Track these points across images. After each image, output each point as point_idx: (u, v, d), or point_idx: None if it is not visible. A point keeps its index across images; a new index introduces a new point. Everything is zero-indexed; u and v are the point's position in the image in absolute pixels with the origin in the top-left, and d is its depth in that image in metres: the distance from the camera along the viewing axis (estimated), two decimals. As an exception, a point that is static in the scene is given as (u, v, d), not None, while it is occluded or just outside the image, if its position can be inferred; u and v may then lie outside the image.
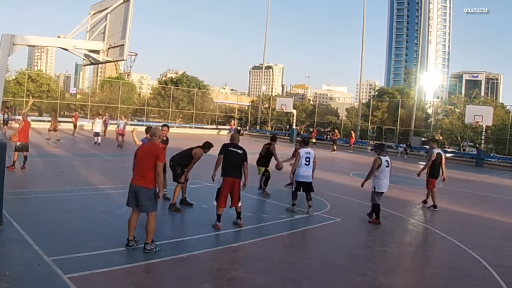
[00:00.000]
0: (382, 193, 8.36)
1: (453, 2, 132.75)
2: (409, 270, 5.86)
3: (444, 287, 5.32)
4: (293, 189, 8.75)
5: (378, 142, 31.61)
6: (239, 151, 7.08)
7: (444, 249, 6.99)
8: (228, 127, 40.98)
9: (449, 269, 5.93)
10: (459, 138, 37.10)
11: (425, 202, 10.86)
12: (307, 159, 8.61)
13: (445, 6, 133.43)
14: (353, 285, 5.05)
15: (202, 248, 5.88)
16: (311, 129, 38.37)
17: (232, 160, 7.01)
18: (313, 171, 8.72)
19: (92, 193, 8.90)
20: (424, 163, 11.00)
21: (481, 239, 7.77)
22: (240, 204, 7.12)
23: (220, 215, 6.91)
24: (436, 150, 10.65)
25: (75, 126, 26.05)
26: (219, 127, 43.03)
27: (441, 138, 40.27)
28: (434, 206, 10.23)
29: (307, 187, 8.61)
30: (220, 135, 36.93)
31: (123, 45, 7.61)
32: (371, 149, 31.99)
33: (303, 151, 8.72)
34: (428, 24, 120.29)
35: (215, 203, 7.02)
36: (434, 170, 10.47)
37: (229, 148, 7.08)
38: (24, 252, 5.06)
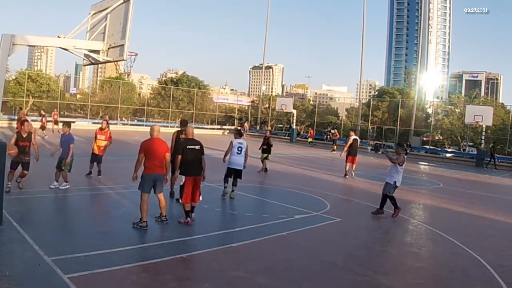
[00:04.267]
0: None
1: (453, 2, 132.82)
2: (409, 270, 5.85)
3: (444, 287, 5.32)
4: (225, 175, 9.53)
5: (378, 143, 31.65)
6: (196, 147, 7.10)
7: (444, 249, 6.99)
8: (239, 128, 40.64)
9: (449, 269, 5.93)
10: (459, 138, 37.09)
11: (346, 175, 14.74)
12: (239, 149, 9.42)
13: (445, 6, 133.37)
14: (353, 285, 5.05)
15: (202, 248, 5.88)
16: (309, 129, 38.32)
17: (190, 158, 7.02)
18: (245, 160, 9.50)
19: (92, 193, 8.90)
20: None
21: (481, 239, 7.77)
22: (200, 198, 7.21)
23: (188, 211, 6.98)
24: (353, 137, 15.00)
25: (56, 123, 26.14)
26: (224, 127, 42.98)
27: (441, 138, 40.33)
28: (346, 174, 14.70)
29: (237, 173, 9.42)
30: (224, 136, 36.91)
31: (123, 45, 7.61)
32: (371, 149, 31.96)
33: (236, 142, 9.50)
34: (428, 24, 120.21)
35: (180, 201, 7.07)
36: (351, 151, 14.77)
37: (187, 147, 7.07)
38: (24, 252, 5.05)
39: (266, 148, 14.69)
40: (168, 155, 6.78)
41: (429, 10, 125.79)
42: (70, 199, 8.15)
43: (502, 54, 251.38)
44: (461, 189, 14.20)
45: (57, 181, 8.84)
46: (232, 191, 9.46)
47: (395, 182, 8.78)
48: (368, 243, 6.92)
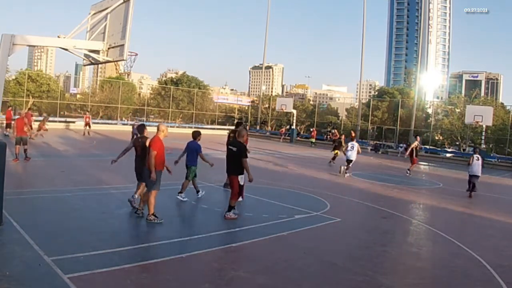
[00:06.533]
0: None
1: (453, 2, 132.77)
2: (409, 270, 5.85)
3: (444, 287, 5.32)
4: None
5: (378, 143, 31.73)
6: (233, 148, 7.59)
7: (444, 249, 6.99)
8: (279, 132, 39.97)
9: (449, 269, 5.93)
10: (459, 138, 37.06)
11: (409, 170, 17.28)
12: (351, 147, 15.38)
13: (445, 6, 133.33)
14: (353, 285, 5.05)
15: (202, 248, 5.88)
16: (310, 129, 38.26)
17: (227, 157, 7.71)
18: (356, 154, 15.27)
19: (92, 193, 8.90)
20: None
21: (481, 239, 7.78)
22: (240, 199, 7.69)
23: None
24: (415, 141, 18.20)
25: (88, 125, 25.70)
26: (224, 127, 42.78)
27: (441, 138, 40.29)
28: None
29: (348, 162, 15.23)
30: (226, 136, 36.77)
31: (123, 45, 7.61)
32: (371, 149, 31.95)
33: (350, 143, 15.72)
34: (428, 24, 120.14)
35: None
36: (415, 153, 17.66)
37: (228, 146, 7.78)
38: (24, 252, 5.05)
39: (337, 146, 19.06)
40: (153, 152, 6.72)
41: (429, 10, 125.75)
42: (70, 199, 8.15)
43: (502, 54, 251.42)
44: (461, 189, 14.16)
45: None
46: (345, 171, 14.93)
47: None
48: (368, 243, 6.92)
